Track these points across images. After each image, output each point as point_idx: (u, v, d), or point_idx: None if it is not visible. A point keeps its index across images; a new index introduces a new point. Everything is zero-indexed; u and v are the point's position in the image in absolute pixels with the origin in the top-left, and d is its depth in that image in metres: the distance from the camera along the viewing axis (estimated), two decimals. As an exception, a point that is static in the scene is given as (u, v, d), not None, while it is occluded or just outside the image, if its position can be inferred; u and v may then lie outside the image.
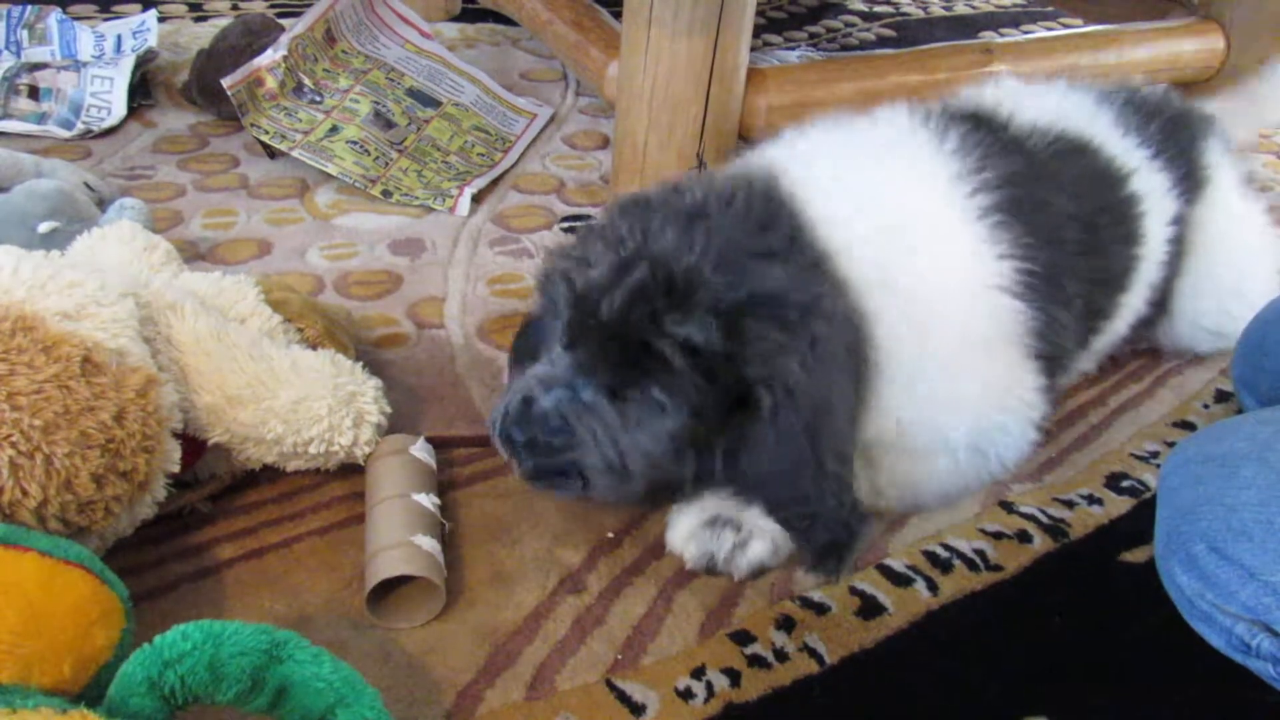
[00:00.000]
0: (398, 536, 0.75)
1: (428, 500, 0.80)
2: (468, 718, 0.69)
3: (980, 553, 0.84)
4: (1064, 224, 0.90)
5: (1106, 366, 1.10)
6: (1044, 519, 0.88)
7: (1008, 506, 0.90)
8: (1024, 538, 0.86)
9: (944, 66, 1.38)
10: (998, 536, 0.86)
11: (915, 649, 0.76)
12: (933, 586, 0.81)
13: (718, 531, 0.80)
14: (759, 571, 0.81)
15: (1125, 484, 0.94)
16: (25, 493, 0.62)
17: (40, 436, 0.62)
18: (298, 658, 0.58)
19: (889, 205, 0.83)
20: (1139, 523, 0.88)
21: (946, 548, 0.85)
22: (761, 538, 0.80)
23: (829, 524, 0.76)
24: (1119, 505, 0.91)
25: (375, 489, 0.82)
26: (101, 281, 0.71)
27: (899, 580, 0.81)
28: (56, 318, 0.66)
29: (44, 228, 1.03)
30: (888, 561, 0.83)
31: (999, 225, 0.84)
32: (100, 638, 0.59)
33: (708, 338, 0.71)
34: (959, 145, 0.88)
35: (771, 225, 0.76)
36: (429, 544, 0.75)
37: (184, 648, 0.56)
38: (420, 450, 0.85)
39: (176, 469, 0.73)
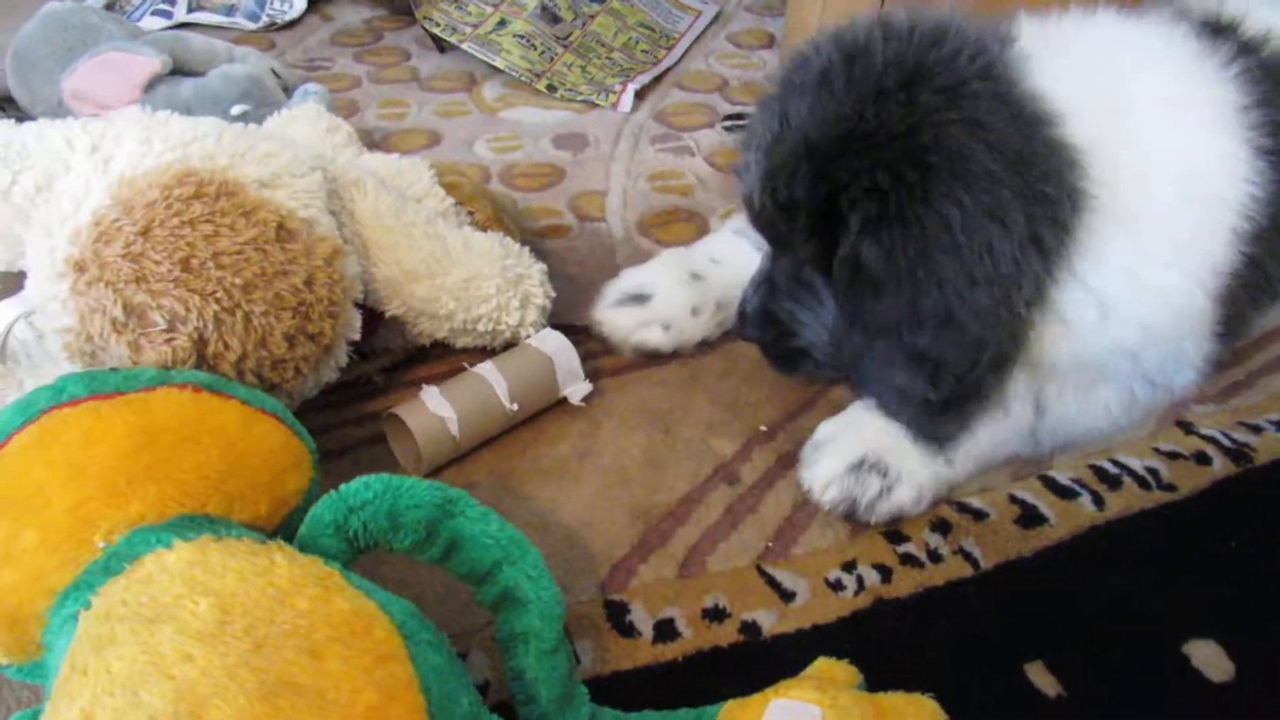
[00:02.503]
0: (424, 395, 0.79)
1: (494, 376, 0.81)
2: (621, 589, 0.71)
3: (1153, 471, 0.80)
4: None
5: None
6: (1226, 442, 0.83)
7: (1186, 427, 0.85)
8: (1202, 459, 0.82)
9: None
10: (1173, 456, 0.82)
11: (1076, 562, 0.74)
12: (1099, 501, 0.78)
13: (863, 476, 0.76)
14: (897, 518, 0.77)
15: (1321, 412, 0.87)
16: (227, 346, 0.67)
17: (240, 295, 0.66)
18: (468, 514, 0.61)
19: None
20: (1334, 452, 0.82)
21: (1116, 464, 0.81)
22: (909, 484, 0.76)
23: (947, 378, 0.70)
24: (1312, 434, 0.85)
25: None
26: (294, 154, 0.74)
27: (1063, 493, 0.79)
28: (254, 185, 0.70)
29: (236, 110, 1.09)
30: (1051, 473, 0.81)
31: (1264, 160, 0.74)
32: (292, 483, 0.63)
33: (804, 189, 0.70)
34: (1236, 68, 0.75)
35: (912, 86, 0.68)
36: (440, 406, 0.78)
37: (366, 496, 0.59)
38: (540, 339, 0.85)
39: (357, 336, 0.77)
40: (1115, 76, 0.72)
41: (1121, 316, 0.73)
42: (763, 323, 0.82)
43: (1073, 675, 0.65)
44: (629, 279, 0.93)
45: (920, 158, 0.65)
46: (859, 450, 0.77)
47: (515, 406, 0.81)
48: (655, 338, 0.91)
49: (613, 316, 0.92)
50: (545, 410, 0.86)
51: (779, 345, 0.82)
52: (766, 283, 0.81)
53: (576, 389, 0.85)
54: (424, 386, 0.80)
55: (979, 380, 0.71)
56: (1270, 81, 0.76)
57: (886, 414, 0.78)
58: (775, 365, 0.85)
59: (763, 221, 0.75)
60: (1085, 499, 0.78)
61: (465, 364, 0.83)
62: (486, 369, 0.82)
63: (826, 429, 0.80)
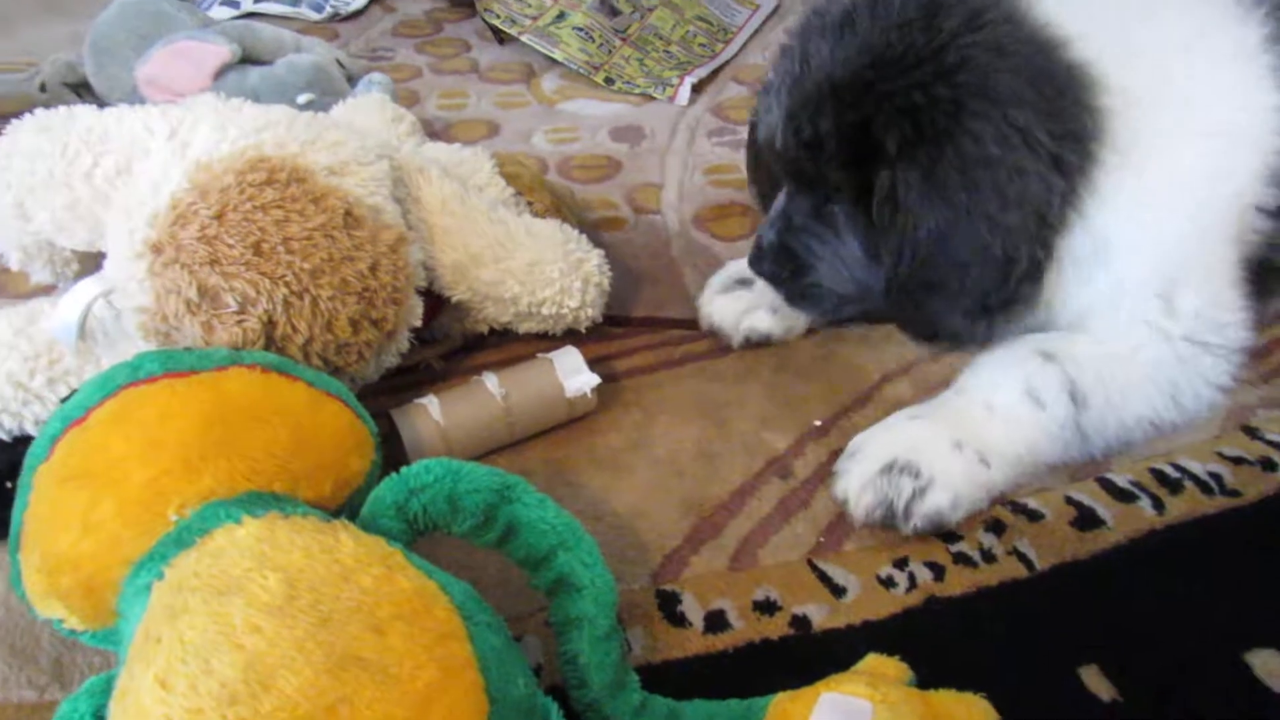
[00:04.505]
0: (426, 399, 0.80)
1: (494, 386, 0.80)
2: (673, 579, 0.72)
3: (1216, 476, 0.79)
4: None
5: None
6: (1292, 449, 0.82)
7: (1251, 432, 0.83)
8: (1268, 465, 0.80)
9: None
10: (1238, 461, 0.80)
11: (1134, 565, 0.73)
12: (1159, 505, 0.77)
13: (895, 478, 0.74)
14: (938, 526, 0.73)
15: (1393, 421, 0.85)
16: (295, 329, 0.68)
17: (309, 279, 0.68)
18: (525, 500, 0.62)
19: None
20: (1406, 463, 0.80)
21: (1177, 468, 0.80)
22: (943, 485, 0.73)
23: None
24: (1383, 443, 0.83)
25: None
26: (361, 142, 0.76)
27: (1121, 495, 0.78)
28: (324, 172, 0.71)
29: (302, 98, 1.11)
30: (1110, 475, 0.79)
31: None
32: (355, 464, 0.64)
33: (831, 121, 0.74)
34: None
35: (934, 16, 0.73)
36: (435, 409, 0.78)
37: (426, 479, 0.60)
38: (558, 353, 0.84)
39: (419, 323, 0.79)
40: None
41: (1118, 250, 0.76)
42: (778, 258, 0.85)
43: (1129, 680, 0.64)
44: (733, 266, 0.96)
45: (950, 76, 0.70)
46: (889, 453, 0.75)
47: (503, 391, 0.80)
48: (764, 323, 0.92)
49: (720, 304, 0.93)
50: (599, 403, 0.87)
51: (794, 281, 0.85)
52: (783, 219, 0.84)
53: (579, 380, 0.82)
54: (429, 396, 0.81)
55: (1012, 297, 0.76)
56: None
57: (916, 338, 0.83)
58: (790, 301, 0.88)
59: (786, 161, 0.79)
60: (1144, 502, 0.77)
61: (523, 351, 0.84)
62: (486, 375, 0.82)
63: (857, 441, 0.78)
